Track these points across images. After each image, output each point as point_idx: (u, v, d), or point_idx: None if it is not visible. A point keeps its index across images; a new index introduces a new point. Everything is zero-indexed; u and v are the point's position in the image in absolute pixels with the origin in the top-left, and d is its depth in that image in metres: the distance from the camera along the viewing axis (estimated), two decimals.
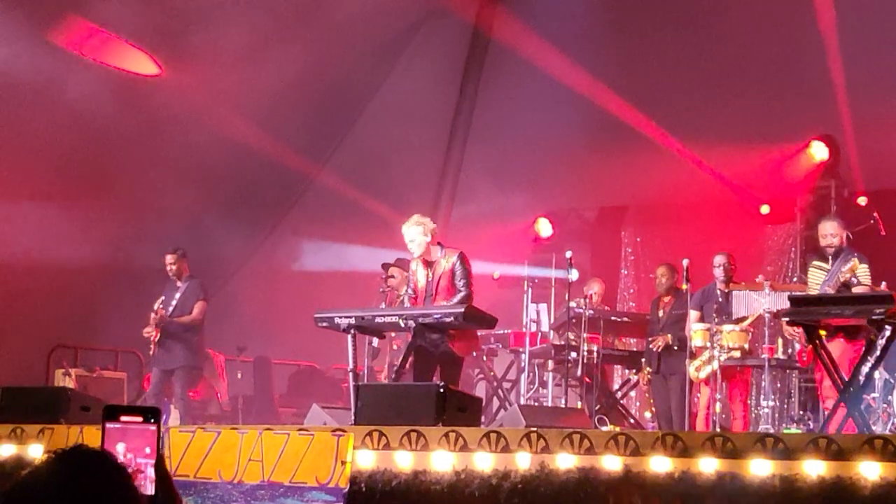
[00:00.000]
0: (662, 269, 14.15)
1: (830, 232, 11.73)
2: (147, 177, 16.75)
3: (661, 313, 13.99)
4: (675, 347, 13.57)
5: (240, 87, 16.53)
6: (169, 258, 14.55)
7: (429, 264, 11.55)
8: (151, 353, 14.42)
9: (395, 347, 14.14)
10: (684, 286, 12.84)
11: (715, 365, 12.59)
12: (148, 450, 3.33)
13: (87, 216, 16.44)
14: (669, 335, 13.58)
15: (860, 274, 11.42)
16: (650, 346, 13.98)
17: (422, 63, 19.33)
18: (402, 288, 13.44)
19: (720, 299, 12.99)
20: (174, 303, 14.38)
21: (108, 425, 3.33)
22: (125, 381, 16.12)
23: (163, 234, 16.48)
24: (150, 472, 3.31)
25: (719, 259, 13.23)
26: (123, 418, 3.34)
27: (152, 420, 3.35)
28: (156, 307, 14.27)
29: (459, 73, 20.18)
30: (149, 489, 3.29)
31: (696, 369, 12.83)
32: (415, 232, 11.48)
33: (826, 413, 11.59)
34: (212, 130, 16.79)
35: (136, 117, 16.07)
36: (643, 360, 14.32)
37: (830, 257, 11.73)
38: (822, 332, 10.46)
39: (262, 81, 16.65)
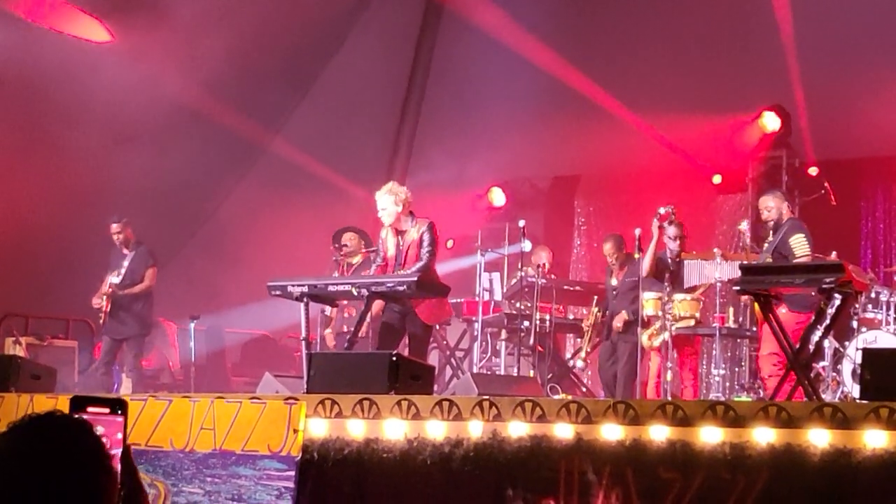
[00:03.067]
0: (609, 246, 14.01)
1: (765, 206, 12.11)
2: (98, 144, 16.62)
3: (614, 282, 13.96)
4: (632, 318, 13.57)
5: (193, 55, 16.42)
6: (114, 227, 14.47)
7: (399, 233, 11.57)
8: (102, 322, 14.35)
9: (346, 315, 14.11)
10: (636, 255, 12.85)
11: (667, 335, 12.64)
12: (118, 439, 3.30)
13: (37, 184, 16.31)
14: (625, 311, 13.56)
15: (794, 244, 11.57)
16: (611, 319, 13.90)
17: (375, 31, 19.26)
18: (356, 255, 13.44)
19: (672, 268, 13.02)
20: (123, 271, 14.32)
21: (75, 416, 3.30)
22: (76, 350, 16.03)
23: (114, 201, 16.37)
24: (118, 463, 3.29)
25: (674, 231, 13.20)
26: (91, 409, 3.31)
27: (119, 412, 3.33)
28: (109, 281, 14.21)
29: (413, 42, 20.13)
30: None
31: (650, 337, 12.87)
32: (387, 201, 11.50)
33: (764, 383, 11.74)
34: (164, 98, 16.68)
35: (87, 84, 15.92)
36: (594, 300, 14.25)
37: (771, 231, 11.96)
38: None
39: (215, 49, 16.54)
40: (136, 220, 14.92)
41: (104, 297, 14.19)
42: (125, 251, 14.46)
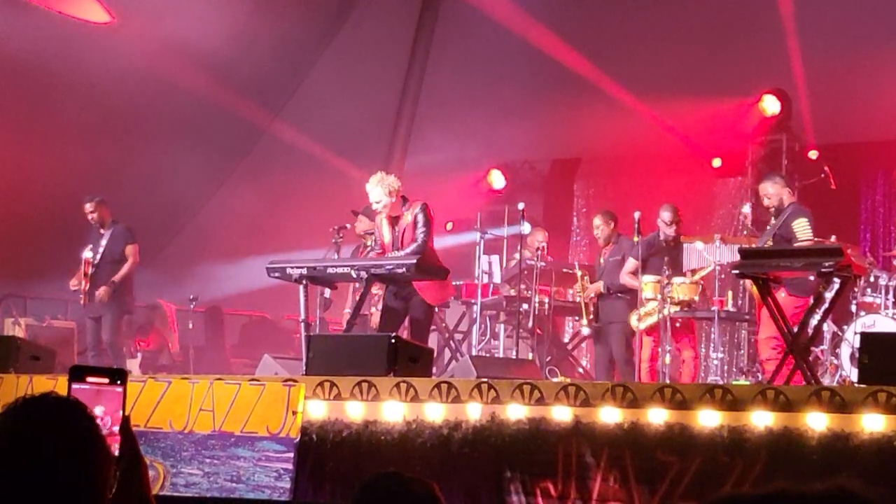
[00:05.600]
0: (598, 219, 13.89)
1: (764, 193, 12.09)
2: (99, 125, 16.62)
3: (601, 260, 13.94)
4: (617, 295, 13.47)
5: (192, 36, 16.39)
6: (88, 207, 14.27)
7: (394, 219, 11.55)
8: (83, 303, 14.22)
9: (356, 299, 14.10)
10: (635, 238, 12.81)
11: (657, 317, 12.61)
12: (117, 409, 3.30)
13: (37, 166, 16.31)
14: (601, 283, 13.51)
15: (797, 228, 11.55)
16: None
17: (376, 13, 19.24)
18: (369, 238, 13.43)
19: (669, 251, 12.96)
20: (101, 250, 14.16)
21: (75, 386, 3.30)
22: (75, 331, 16.04)
23: (115, 183, 16.37)
24: (117, 432, 3.29)
25: (668, 216, 13.13)
26: (90, 379, 3.31)
27: (119, 382, 3.33)
28: (85, 258, 14.08)
29: (413, 24, 20.09)
30: (115, 450, 3.27)
31: (639, 319, 12.84)
32: (378, 193, 11.46)
33: (763, 366, 11.75)
34: (164, 79, 16.66)
35: (86, 65, 15.91)
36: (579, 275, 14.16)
37: (772, 216, 11.96)
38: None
39: (215, 30, 16.51)
40: (136, 200, 14.89)
41: (83, 278, 14.06)
42: (101, 230, 14.32)
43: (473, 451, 7.93)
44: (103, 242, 14.20)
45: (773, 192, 11.97)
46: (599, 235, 13.84)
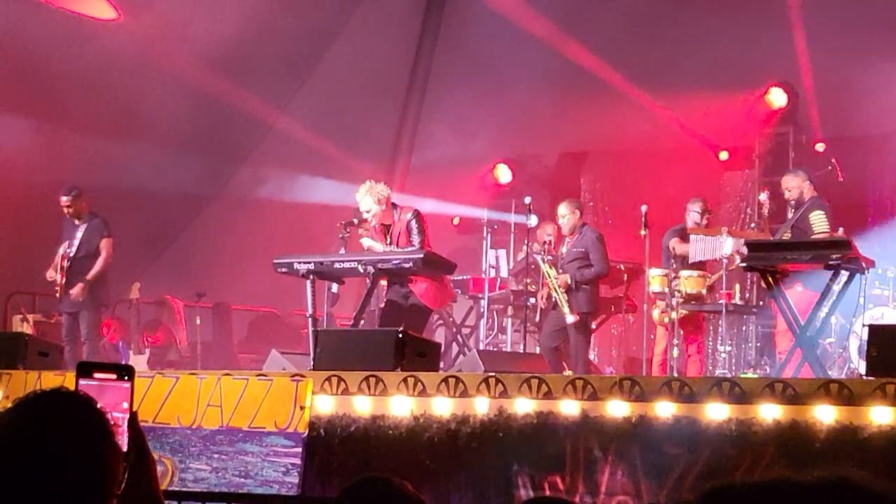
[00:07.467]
0: (564, 207, 13.55)
1: (786, 186, 12.18)
2: (103, 122, 16.62)
3: (564, 250, 13.57)
4: (573, 287, 13.28)
5: (198, 32, 16.40)
6: (64, 200, 14.08)
7: (386, 227, 11.58)
8: (59, 296, 14.13)
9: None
10: (642, 232, 12.77)
11: (674, 315, 12.60)
12: (125, 405, 3.32)
13: (45, 163, 16.32)
14: (569, 276, 13.32)
15: (814, 220, 11.56)
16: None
17: (381, 8, 19.22)
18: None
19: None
20: (76, 243, 14.04)
21: (82, 382, 3.31)
22: None
23: (121, 178, 16.39)
24: (125, 428, 3.30)
25: (700, 206, 13.21)
26: (97, 375, 3.32)
27: (126, 378, 3.34)
28: (61, 252, 14.01)
29: (420, 18, 20.08)
30: (123, 446, 3.28)
31: (661, 313, 12.81)
32: (368, 202, 11.50)
33: (780, 358, 11.74)
34: (170, 75, 16.67)
35: (90, 62, 15.92)
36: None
37: (791, 209, 12.00)
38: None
39: (221, 25, 16.53)
40: (142, 196, 14.85)
41: (59, 271, 13.99)
42: (77, 222, 14.20)
43: (481, 445, 7.94)
44: (78, 235, 14.04)
45: (795, 185, 12.01)
46: (565, 224, 13.47)
